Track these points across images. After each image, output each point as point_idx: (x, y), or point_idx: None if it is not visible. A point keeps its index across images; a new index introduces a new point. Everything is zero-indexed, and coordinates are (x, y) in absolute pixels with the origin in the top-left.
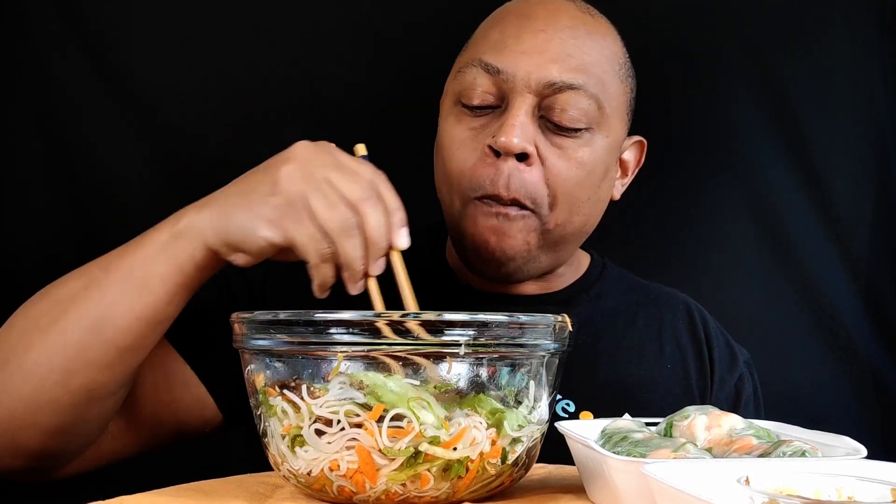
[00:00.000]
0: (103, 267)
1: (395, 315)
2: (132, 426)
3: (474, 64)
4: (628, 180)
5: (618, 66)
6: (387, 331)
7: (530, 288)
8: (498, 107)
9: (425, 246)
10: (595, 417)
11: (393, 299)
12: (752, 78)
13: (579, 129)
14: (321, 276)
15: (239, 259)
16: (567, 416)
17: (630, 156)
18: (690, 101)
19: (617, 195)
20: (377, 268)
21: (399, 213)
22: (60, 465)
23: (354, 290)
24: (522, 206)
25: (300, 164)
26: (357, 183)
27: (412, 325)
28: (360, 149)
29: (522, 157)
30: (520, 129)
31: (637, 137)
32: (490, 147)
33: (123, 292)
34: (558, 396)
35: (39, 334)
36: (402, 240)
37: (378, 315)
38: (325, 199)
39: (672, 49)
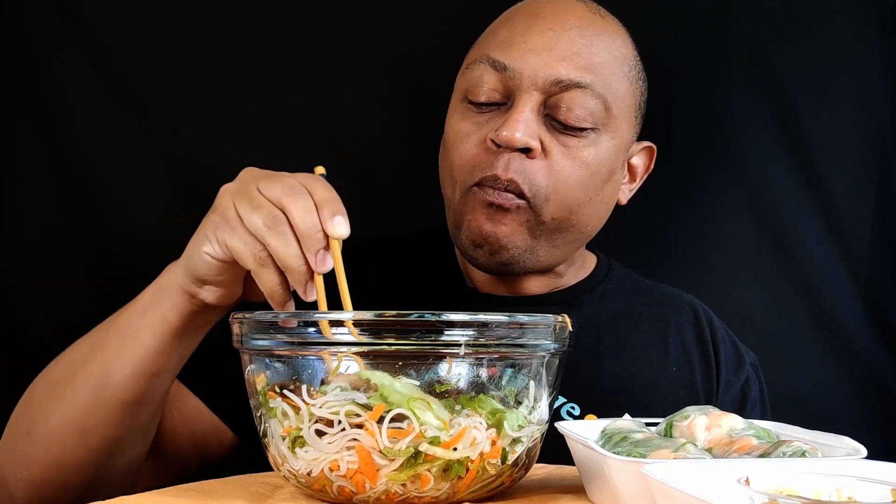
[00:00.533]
0: (105, 328)
1: (391, 314)
2: (160, 464)
3: (482, 60)
4: (636, 185)
5: (627, 67)
6: (326, 330)
7: (535, 287)
8: (504, 104)
9: (429, 246)
10: None
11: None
12: (753, 78)
13: (585, 129)
14: (266, 284)
15: (207, 293)
16: (572, 419)
17: (639, 161)
18: (691, 101)
19: (624, 199)
20: (321, 263)
21: (331, 204)
22: None
23: (303, 294)
24: (519, 195)
25: (236, 182)
26: (282, 183)
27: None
28: (319, 170)
29: (526, 150)
30: (523, 125)
31: (647, 143)
32: (493, 141)
33: (120, 350)
34: (563, 399)
35: (56, 401)
36: (338, 228)
37: (379, 315)
38: (249, 203)
39: (672, 50)
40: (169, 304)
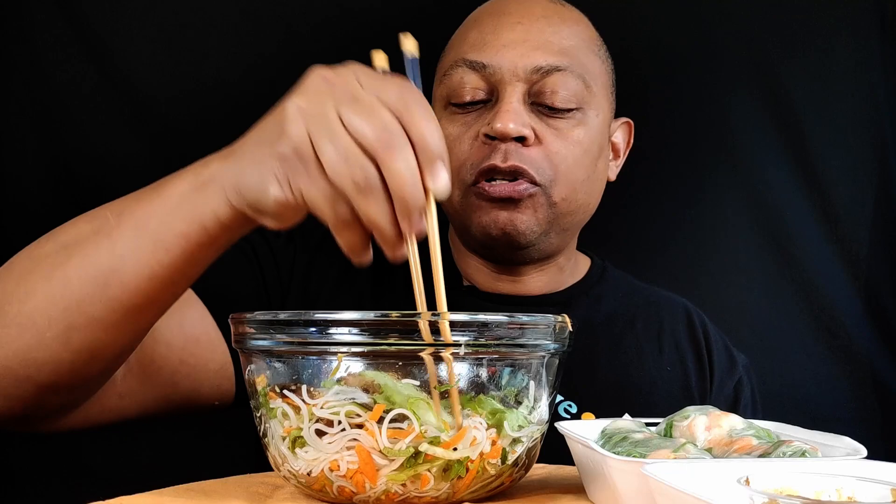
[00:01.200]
0: (116, 212)
1: (392, 314)
2: (146, 386)
3: (459, 64)
4: (621, 161)
5: (595, 47)
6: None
7: (535, 286)
8: (489, 101)
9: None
10: (597, 418)
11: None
12: (753, 79)
13: (571, 109)
14: (346, 242)
15: (268, 222)
16: (569, 416)
17: (620, 137)
18: (692, 101)
19: (613, 176)
20: (416, 226)
21: (431, 146)
22: (56, 419)
23: (392, 256)
24: (529, 181)
25: (309, 99)
26: (375, 119)
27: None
28: (380, 58)
29: (520, 140)
30: (514, 114)
31: (623, 119)
32: (486, 135)
33: (136, 246)
34: (560, 398)
35: (41, 282)
36: (440, 184)
37: (381, 315)
38: (335, 147)
39: (673, 51)
40: (210, 213)
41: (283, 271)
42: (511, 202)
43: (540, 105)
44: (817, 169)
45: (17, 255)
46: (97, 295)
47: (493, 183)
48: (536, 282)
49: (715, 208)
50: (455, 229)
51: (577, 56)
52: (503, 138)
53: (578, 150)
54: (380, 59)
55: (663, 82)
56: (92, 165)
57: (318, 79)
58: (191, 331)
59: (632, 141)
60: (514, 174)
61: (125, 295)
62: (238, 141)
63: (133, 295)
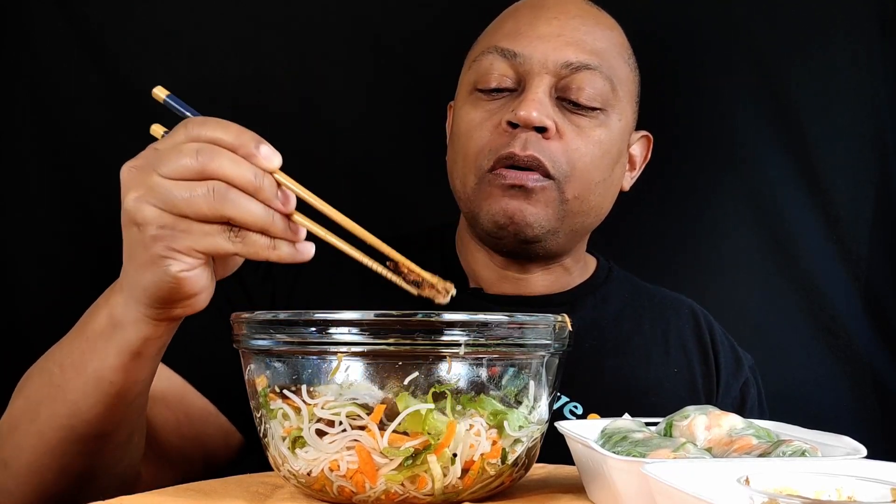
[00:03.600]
0: (58, 363)
1: (391, 314)
2: (164, 468)
3: (490, 51)
4: (636, 174)
5: (626, 55)
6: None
7: (541, 286)
8: (515, 90)
9: (432, 248)
10: None
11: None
12: (754, 79)
13: (595, 109)
14: (259, 249)
15: (188, 307)
16: (575, 418)
17: (637, 150)
18: (691, 102)
19: (627, 186)
20: (286, 202)
21: (243, 139)
22: None
23: (296, 236)
24: (542, 173)
25: (131, 187)
26: (185, 153)
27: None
28: (157, 129)
29: (541, 130)
30: (539, 104)
31: (644, 132)
32: (508, 123)
33: (83, 390)
34: (565, 399)
35: (23, 437)
36: (270, 159)
37: (381, 315)
38: (175, 195)
39: (673, 51)
40: (137, 339)
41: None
42: (522, 191)
43: (565, 100)
44: (817, 169)
45: (7, 409)
46: (70, 437)
47: (504, 171)
48: (542, 281)
49: (715, 208)
50: (465, 218)
51: (607, 58)
52: (525, 125)
53: (597, 150)
54: (156, 129)
55: (663, 83)
56: (92, 165)
57: (126, 170)
58: (179, 408)
59: (649, 156)
60: (531, 165)
61: (92, 429)
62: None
63: (99, 425)
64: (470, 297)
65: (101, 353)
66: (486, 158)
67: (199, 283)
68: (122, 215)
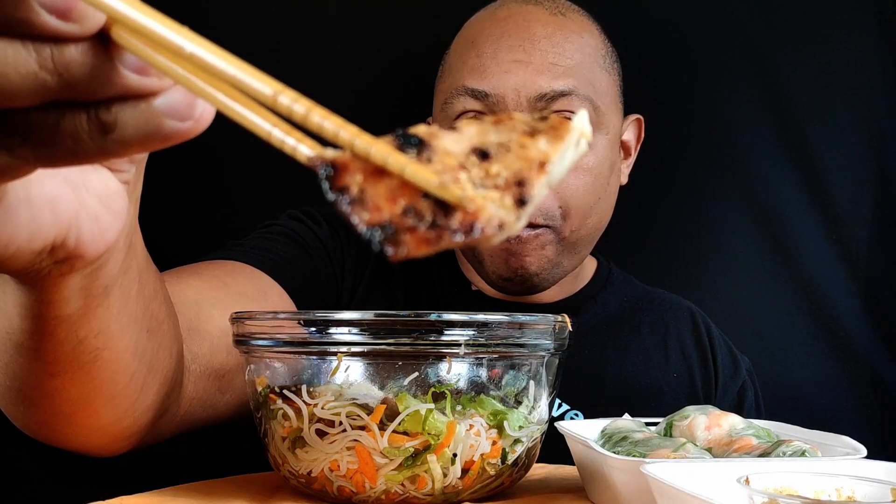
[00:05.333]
0: None
1: (391, 314)
2: (220, 393)
3: (460, 93)
4: (632, 160)
5: (601, 59)
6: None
7: (544, 296)
8: None
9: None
10: None
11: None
12: (753, 79)
13: None
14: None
15: (81, 245)
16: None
17: (630, 135)
18: (691, 101)
19: (624, 179)
20: (73, 18)
21: None
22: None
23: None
24: (534, 226)
25: None
26: None
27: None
28: None
29: None
30: None
31: (633, 116)
32: None
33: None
34: (566, 406)
35: None
36: None
37: (380, 315)
38: None
39: (672, 51)
40: (54, 302)
41: (335, 261)
42: (518, 241)
43: None
44: (817, 169)
45: None
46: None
47: None
48: (547, 292)
49: (715, 208)
50: (467, 259)
51: (582, 75)
52: None
53: (589, 178)
54: None
55: (663, 82)
56: None
57: None
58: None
59: (643, 134)
60: (529, 226)
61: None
62: None
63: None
64: (471, 301)
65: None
66: None
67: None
68: None
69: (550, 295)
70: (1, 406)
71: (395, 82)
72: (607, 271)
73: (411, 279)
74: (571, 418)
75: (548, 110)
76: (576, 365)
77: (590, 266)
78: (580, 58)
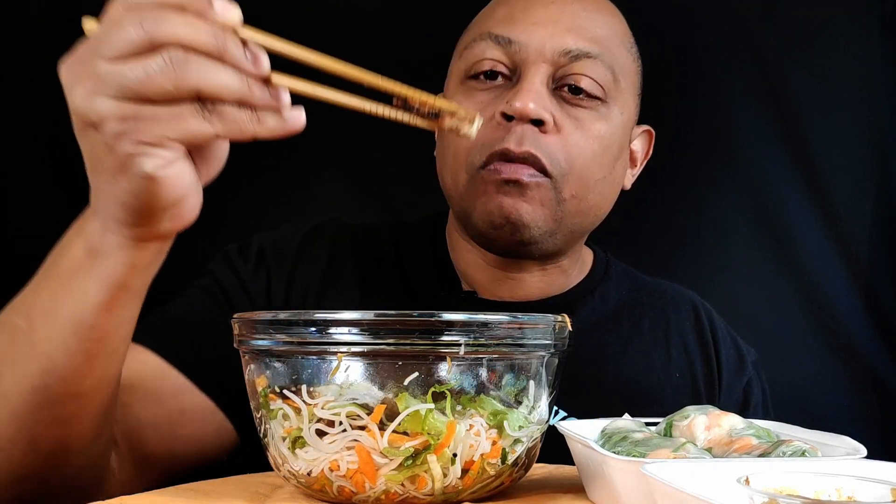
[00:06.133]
0: (23, 314)
1: (391, 314)
2: (145, 470)
3: (483, 38)
4: (637, 171)
5: (628, 43)
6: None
7: (536, 286)
8: (510, 79)
9: (422, 243)
10: None
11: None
12: (753, 78)
13: (596, 99)
14: (240, 123)
15: (175, 219)
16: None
17: (639, 146)
18: (691, 101)
19: (628, 184)
20: (256, 63)
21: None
22: None
23: (279, 103)
24: (538, 169)
25: (78, 82)
26: (125, 26)
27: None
28: (90, 23)
29: (538, 124)
30: (536, 95)
31: (645, 127)
32: (503, 114)
33: (59, 339)
34: (564, 413)
35: None
36: (229, 12)
37: (380, 315)
38: (128, 77)
39: (673, 50)
40: (123, 269)
41: (259, 302)
42: (517, 187)
43: (564, 91)
44: (817, 168)
45: None
46: (43, 398)
47: (498, 165)
48: (538, 283)
49: (715, 207)
50: (457, 217)
51: (608, 46)
52: (521, 118)
53: (598, 146)
54: (89, 23)
55: (663, 82)
56: None
57: (64, 68)
58: (173, 404)
59: (651, 151)
60: (527, 161)
61: (70, 387)
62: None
63: (78, 382)
64: (463, 302)
65: (78, 291)
66: (478, 154)
67: (182, 182)
68: (73, 121)
69: (545, 290)
70: None
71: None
72: (605, 264)
73: (397, 277)
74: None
75: (568, 69)
76: (574, 365)
77: (587, 258)
78: (608, 31)
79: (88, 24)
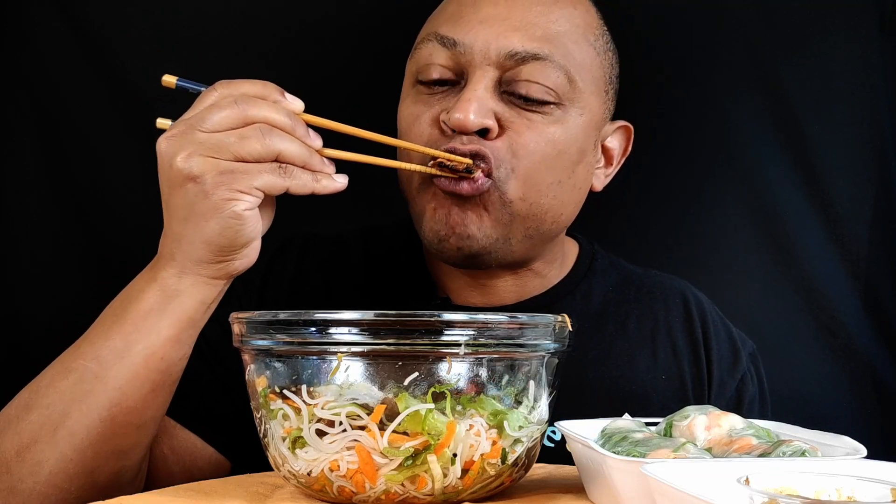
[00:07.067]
0: (91, 357)
1: (391, 314)
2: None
3: (430, 38)
4: (613, 170)
5: (592, 37)
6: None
7: (510, 290)
8: (458, 82)
9: (397, 248)
10: None
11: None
12: (753, 77)
13: (548, 103)
14: (305, 183)
15: (245, 257)
16: (553, 445)
17: (615, 143)
18: (691, 100)
19: (599, 186)
20: (315, 138)
21: (267, 89)
22: None
23: (331, 169)
24: (485, 173)
25: (179, 149)
26: (222, 107)
27: None
28: (169, 80)
29: (483, 133)
30: (476, 104)
31: (622, 122)
32: (445, 123)
33: (130, 374)
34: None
35: (47, 448)
36: (295, 101)
37: (380, 315)
38: (228, 142)
39: (672, 49)
40: (195, 304)
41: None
42: (460, 198)
43: (513, 95)
44: (817, 168)
45: (9, 434)
46: (108, 432)
47: (442, 178)
48: (511, 287)
49: (715, 208)
50: (417, 229)
51: (563, 44)
52: (462, 131)
53: (551, 150)
54: (162, 122)
55: (662, 82)
56: (92, 165)
57: (164, 140)
58: (164, 444)
59: (630, 147)
60: (475, 159)
61: (135, 417)
62: (164, 241)
63: (141, 412)
64: (436, 309)
65: (152, 330)
66: (425, 157)
67: (257, 224)
68: (166, 181)
69: (519, 294)
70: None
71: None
72: (590, 258)
73: (370, 285)
74: (549, 436)
75: (516, 73)
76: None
77: (571, 253)
78: (565, 26)
79: (162, 122)
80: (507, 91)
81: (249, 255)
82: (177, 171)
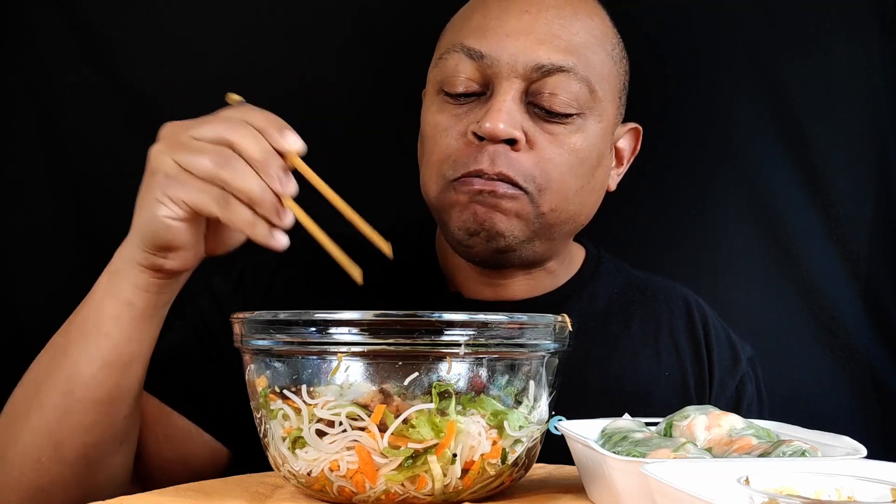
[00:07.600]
0: (62, 333)
1: (391, 314)
2: (148, 487)
3: (456, 49)
4: (623, 169)
5: (609, 46)
6: None
7: (522, 288)
8: (483, 93)
9: (409, 243)
10: None
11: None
12: (754, 78)
13: (570, 115)
14: (240, 221)
15: (173, 261)
16: (560, 434)
17: (625, 144)
18: (691, 100)
19: (613, 185)
20: (284, 184)
21: (274, 122)
22: None
23: (280, 220)
24: (513, 184)
25: (162, 141)
26: (215, 122)
27: None
28: (234, 97)
29: (511, 143)
30: (506, 115)
31: (632, 124)
32: (474, 133)
33: (84, 346)
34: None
35: (21, 420)
36: (292, 142)
37: (381, 315)
38: (189, 151)
39: (673, 48)
40: (129, 287)
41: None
42: (493, 196)
43: (537, 106)
44: (817, 169)
45: (6, 407)
46: (69, 404)
47: (471, 180)
48: (523, 286)
49: (715, 208)
50: (437, 222)
51: (584, 55)
52: (492, 139)
53: (574, 159)
54: (233, 97)
55: (663, 82)
56: (92, 166)
57: (167, 125)
58: (158, 429)
59: (638, 148)
60: (502, 181)
61: (90, 392)
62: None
63: (95, 389)
64: (447, 304)
65: (98, 306)
66: (450, 168)
67: (182, 237)
68: (147, 157)
69: (530, 291)
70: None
71: (399, 85)
72: (596, 261)
73: (380, 279)
74: (556, 426)
75: (541, 85)
76: (559, 367)
77: (577, 256)
78: (586, 37)
79: (232, 97)
80: (532, 102)
81: (179, 261)
82: (149, 157)
